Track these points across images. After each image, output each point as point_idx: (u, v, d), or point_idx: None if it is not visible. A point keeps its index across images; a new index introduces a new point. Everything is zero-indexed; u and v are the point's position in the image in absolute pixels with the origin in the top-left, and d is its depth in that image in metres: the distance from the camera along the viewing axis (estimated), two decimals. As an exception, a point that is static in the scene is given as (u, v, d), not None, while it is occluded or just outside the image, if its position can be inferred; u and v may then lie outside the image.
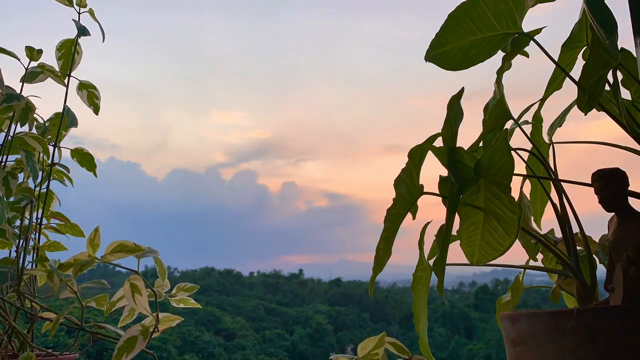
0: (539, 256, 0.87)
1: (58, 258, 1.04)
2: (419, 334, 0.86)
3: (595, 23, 0.69)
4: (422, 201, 0.80)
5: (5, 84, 0.99)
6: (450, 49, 0.81)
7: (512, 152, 0.73)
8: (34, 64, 1.06)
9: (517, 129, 0.86)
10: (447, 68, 0.83)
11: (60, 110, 1.10)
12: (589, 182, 0.72)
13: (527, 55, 0.85)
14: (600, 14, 0.69)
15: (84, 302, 0.96)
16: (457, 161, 0.75)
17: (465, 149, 0.78)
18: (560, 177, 0.80)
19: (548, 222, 0.90)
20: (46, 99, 1.09)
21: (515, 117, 0.85)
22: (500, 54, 0.84)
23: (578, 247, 0.78)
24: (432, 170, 0.79)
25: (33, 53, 1.05)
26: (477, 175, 0.74)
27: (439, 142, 0.79)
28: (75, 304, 0.95)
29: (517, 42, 0.81)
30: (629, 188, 0.70)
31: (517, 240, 0.73)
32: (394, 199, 0.80)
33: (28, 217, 1.03)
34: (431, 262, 0.83)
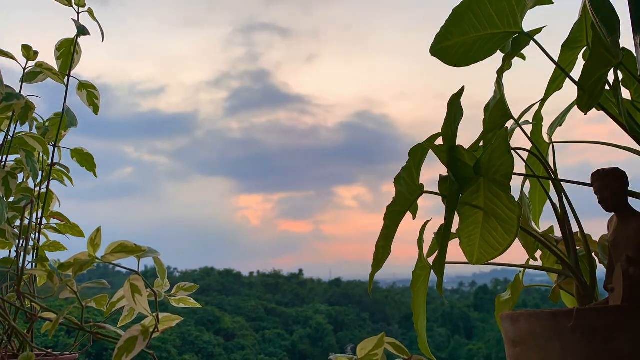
0: (538, 253, 0.87)
1: (58, 258, 1.04)
2: (418, 332, 0.86)
3: (597, 20, 0.68)
4: (422, 200, 0.80)
5: (5, 84, 0.99)
6: (454, 43, 0.81)
7: (512, 152, 0.73)
8: (31, 63, 1.06)
9: (518, 129, 0.86)
10: (450, 64, 0.83)
11: (60, 110, 1.10)
12: (589, 182, 0.72)
13: (524, 57, 0.85)
14: (603, 11, 0.69)
15: (84, 302, 0.96)
16: (456, 160, 0.75)
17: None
18: (560, 177, 0.80)
19: (548, 221, 0.90)
20: (46, 99, 1.09)
21: (516, 117, 0.85)
22: (499, 54, 0.84)
23: (578, 247, 0.78)
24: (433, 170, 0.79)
25: (30, 52, 1.05)
26: (477, 174, 0.74)
27: (439, 143, 0.79)
28: (75, 304, 0.95)
29: (517, 42, 0.81)
30: (629, 188, 0.70)
31: (517, 239, 0.73)
32: (393, 197, 0.80)
33: (28, 217, 1.03)
34: (430, 260, 0.83)
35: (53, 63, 1.09)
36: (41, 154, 1.08)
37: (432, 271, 0.81)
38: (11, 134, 1.02)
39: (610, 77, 0.72)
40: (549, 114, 0.91)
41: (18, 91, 1.03)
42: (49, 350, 0.94)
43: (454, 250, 0.76)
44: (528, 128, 0.90)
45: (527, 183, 0.92)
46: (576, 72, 0.82)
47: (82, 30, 1.11)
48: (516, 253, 0.82)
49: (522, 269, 0.87)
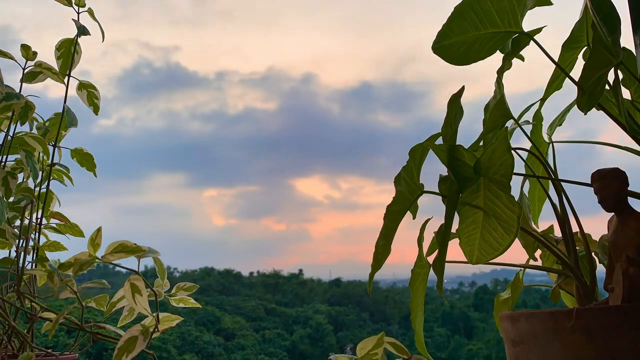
0: (538, 253, 0.87)
1: (58, 258, 1.04)
2: (415, 331, 0.86)
3: (598, 20, 0.68)
4: (422, 200, 0.80)
5: (5, 84, 0.99)
6: (455, 41, 0.81)
7: (512, 152, 0.73)
8: (30, 63, 1.06)
9: (518, 129, 0.86)
10: (451, 62, 0.83)
11: (60, 110, 1.10)
12: (589, 182, 0.72)
13: (522, 59, 0.85)
14: (604, 10, 0.69)
15: (84, 302, 0.96)
16: (456, 159, 0.75)
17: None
18: (560, 176, 0.80)
19: (548, 221, 0.90)
20: (45, 99, 1.09)
21: (516, 117, 0.85)
22: (499, 54, 0.84)
23: (578, 247, 0.78)
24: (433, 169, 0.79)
25: (29, 52, 1.05)
26: (477, 174, 0.74)
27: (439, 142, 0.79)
28: (75, 304, 0.95)
29: (517, 42, 0.82)
30: (629, 188, 0.70)
31: (517, 239, 0.73)
32: (393, 197, 0.80)
33: (28, 217, 1.03)
34: (430, 259, 0.83)
35: (53, 63, 1.09)
36: (41, 154, 1.08)
37: (431, 270, 0.81)
38: (11, 134, 1.02)
39: (610, 77, 0.73)
40: (549, 114, 0.91)
41: (18, 91, 1.03)
42: (49, 350, 0.94)
43: (454, 250, 0.76)
44: (528, 128, 0.90)
45: (527, 183, 0.92)
46: (576, 72, 0.82)
47: (82, 30, 1.11)
48: (516, 253, 0.82)
49: (522, 269, 0.87)
